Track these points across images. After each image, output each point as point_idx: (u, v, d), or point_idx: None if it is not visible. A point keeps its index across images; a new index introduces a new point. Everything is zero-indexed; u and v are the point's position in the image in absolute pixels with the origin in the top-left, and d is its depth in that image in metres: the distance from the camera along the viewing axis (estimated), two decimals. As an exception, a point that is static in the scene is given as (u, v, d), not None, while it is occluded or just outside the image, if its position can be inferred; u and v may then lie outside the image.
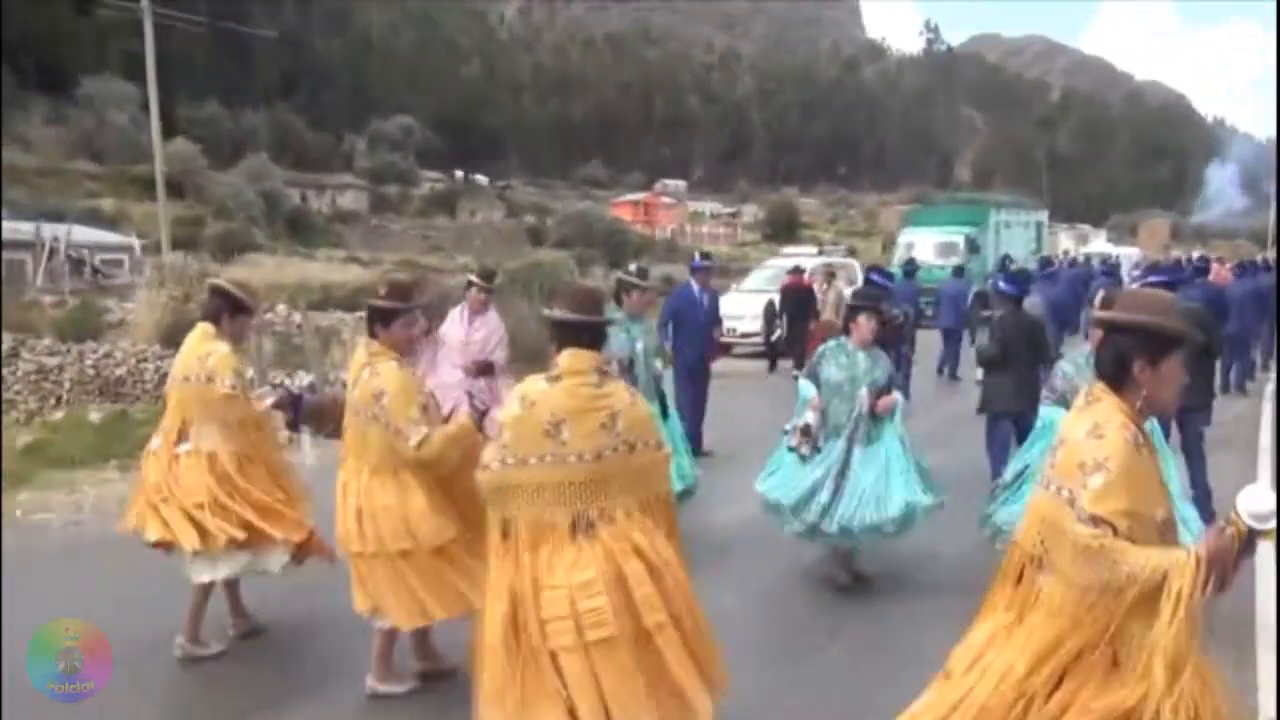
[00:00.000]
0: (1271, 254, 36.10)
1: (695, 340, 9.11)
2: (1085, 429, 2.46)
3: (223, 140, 58.67)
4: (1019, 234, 26.43)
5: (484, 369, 6.80)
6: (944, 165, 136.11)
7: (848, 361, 5.75)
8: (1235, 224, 75.11)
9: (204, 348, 4.69)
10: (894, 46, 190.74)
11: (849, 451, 5.58)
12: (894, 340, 8.80)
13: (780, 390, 12.12)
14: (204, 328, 4.78)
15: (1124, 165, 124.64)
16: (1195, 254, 27.97)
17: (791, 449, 5.64)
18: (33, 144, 50.51)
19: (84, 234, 27.05)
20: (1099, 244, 43.58)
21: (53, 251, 24.63)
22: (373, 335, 4.16)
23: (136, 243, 26.75)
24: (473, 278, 7.33)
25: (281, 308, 16.29)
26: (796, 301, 15.00)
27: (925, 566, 6.26)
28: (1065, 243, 42.20)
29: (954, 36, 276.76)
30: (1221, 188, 75.64)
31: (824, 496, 5.45)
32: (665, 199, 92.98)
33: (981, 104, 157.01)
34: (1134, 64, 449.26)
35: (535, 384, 3.24)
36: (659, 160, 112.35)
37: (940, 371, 14.72)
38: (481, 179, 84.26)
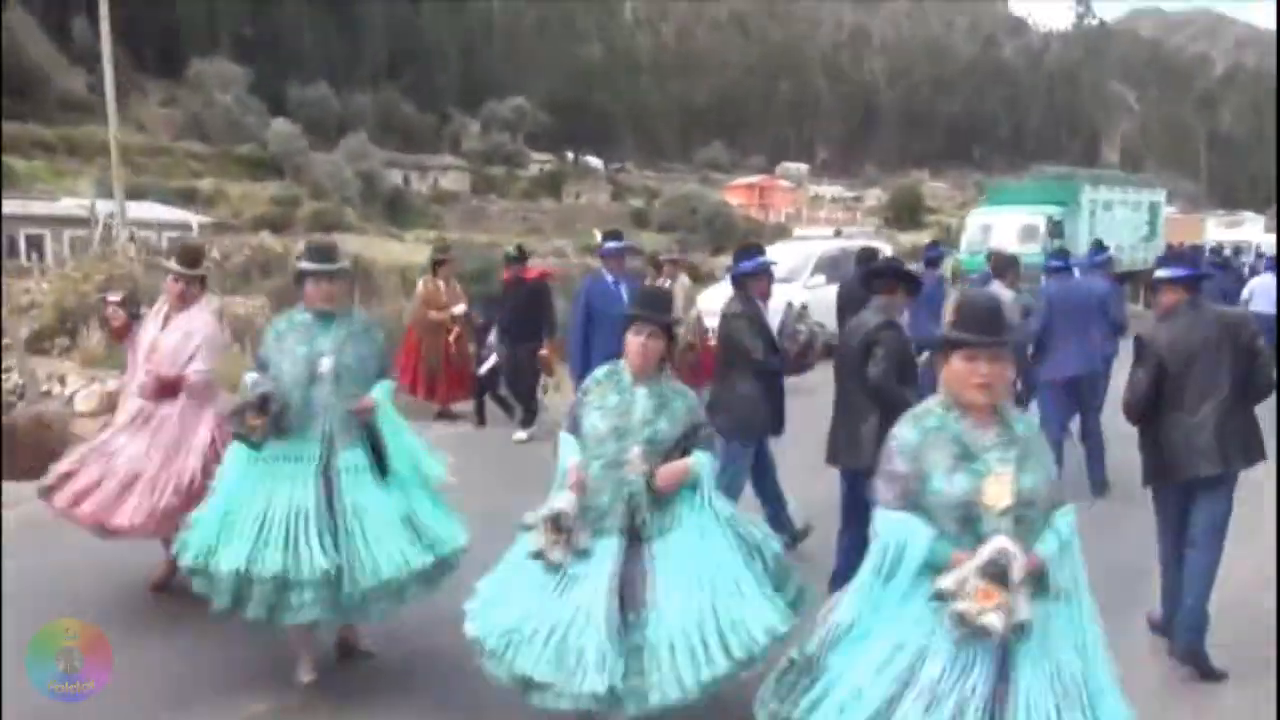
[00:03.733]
0: None
1: (614, 342, 6.69)
2: None
3: (329, 121, 59.20)
4: (1124, 216, 22.44)
5: (166, 388, 4.64)
6: (1090, 146, 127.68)
7: (619, 402, 3.46)
8: None
9: None
10: (1039, 22, 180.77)
11: (630, 557, 3.31)
12: (796, 368, 5.42)
13: (501, 456, 7.99)
14: None
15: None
16: None
17: (535, 556, 3.30)
18: (146, 125, 51.98)
19: (146, 210, 26.85)
20: (1250, 230, 38.14)
21: (107, 227, 24.28)
22: None
23: (194, 220, 26.40)
24: (170, 262, 5.05)
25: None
26: (520, 308, 8.47)
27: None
28: (1213, 231, 36.77)
29: (1110, 10, 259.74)
30: None
31: (590, 654, 3.09)
32: (783, 182, 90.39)
33: (1135, 81, 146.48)
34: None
35: None
36: (782, 143, 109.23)
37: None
38: (594, 160, 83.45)
